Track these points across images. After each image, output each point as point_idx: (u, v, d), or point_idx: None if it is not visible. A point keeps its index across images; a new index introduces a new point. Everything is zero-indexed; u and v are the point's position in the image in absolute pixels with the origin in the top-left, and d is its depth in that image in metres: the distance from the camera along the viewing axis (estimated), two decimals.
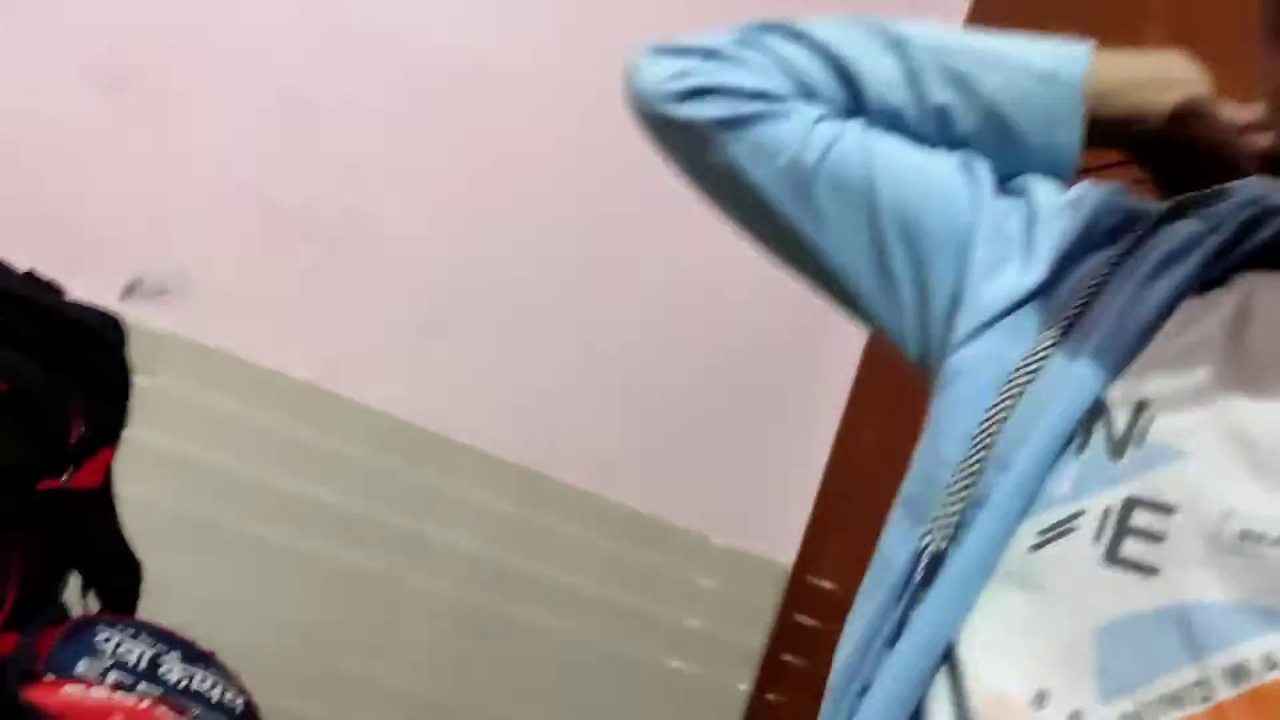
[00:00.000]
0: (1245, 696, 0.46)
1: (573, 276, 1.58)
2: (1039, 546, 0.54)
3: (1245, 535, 0.48)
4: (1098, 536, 0.52)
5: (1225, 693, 0.46)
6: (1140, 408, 0.54)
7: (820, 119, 0.68)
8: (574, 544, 1.57)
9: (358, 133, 1.47)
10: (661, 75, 0.69)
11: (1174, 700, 0.47)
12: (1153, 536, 0.51)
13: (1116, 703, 0.48)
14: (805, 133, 0.67)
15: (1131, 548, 0.51)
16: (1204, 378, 0.53)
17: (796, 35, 0.69)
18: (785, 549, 1.70)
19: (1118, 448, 0.54)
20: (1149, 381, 0.55)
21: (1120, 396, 0.55)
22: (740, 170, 0.68)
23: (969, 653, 0.53)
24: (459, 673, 1.51)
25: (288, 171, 1.44)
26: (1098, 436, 0.55)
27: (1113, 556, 0.51)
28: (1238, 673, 0.46)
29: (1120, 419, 0.54)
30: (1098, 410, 0.55)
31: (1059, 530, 0.53)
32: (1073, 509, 0.53)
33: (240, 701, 1.09)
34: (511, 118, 1.54)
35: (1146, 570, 0.50)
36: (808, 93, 0.68)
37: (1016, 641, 0.52)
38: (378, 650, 1.47)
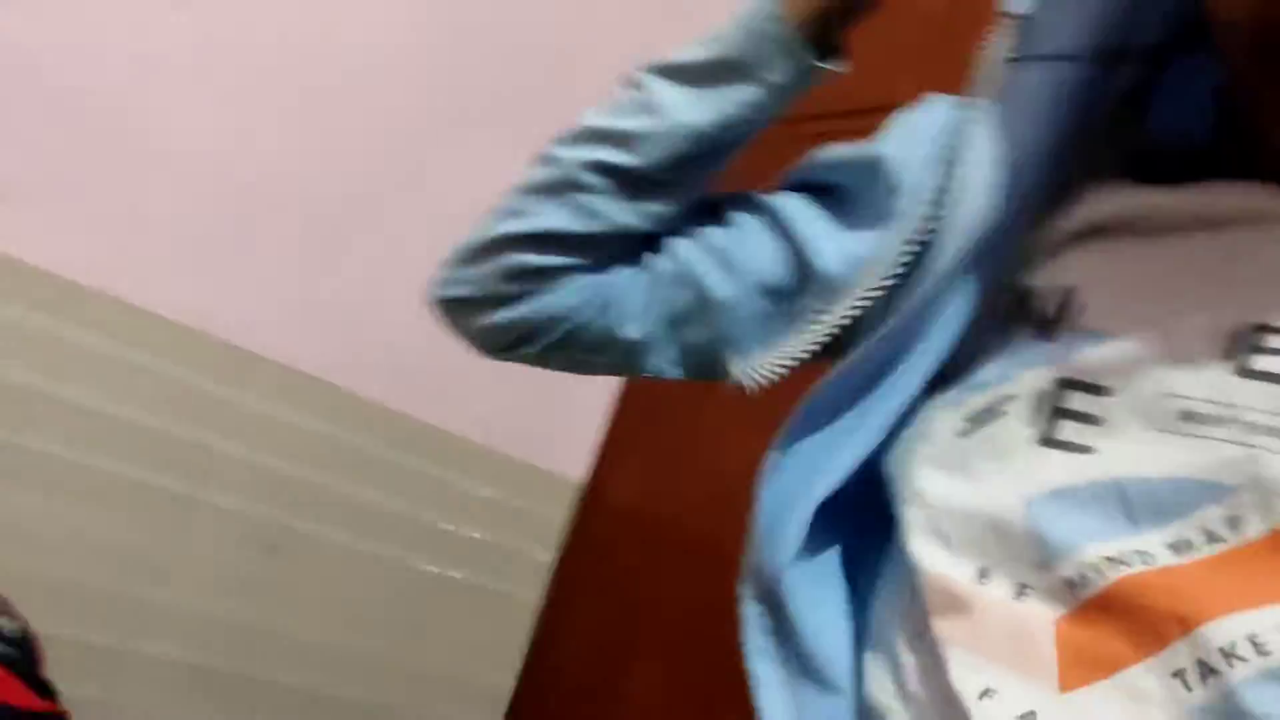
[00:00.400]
0: (1190, 566, 0.45)
1: (367, 189, 1.54)
2: (967, 432, 0.53)
3: (1186, 415, 0.47)
4: (1031, 420, 0.51)
5: (1168, 560, 0.45)
6: (1068, 292, 0.53)
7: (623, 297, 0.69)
8: (366, 458, 1.56)
9: (147, 29, 1.38)
10: (474, 326, 0.71)
11: (1116, 563, 0.46)
12: (1088, 418, 0.50)
13: (1055, 568, 0.47)
14: (619, 318, 0.69)
15: (1067, 430, 0.50)
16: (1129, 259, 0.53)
17: (522, 240, 0.68)
18: (578, 464, 1.75)
19: (1047, 331, 0.53)
20: (1072, 266, 0.54)
21: (1045, 281, 0.54)
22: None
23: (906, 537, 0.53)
24: (248, 591, 1.49)
25: (71, 56, 1.33)
26: (1024, 320, 0.54)
27: (1047, 440, 0.50)
28: (1180, 546, 0.45)
29: (1048, 302, 0.53)
30: (1024, 294, 0.54)
31: (988, 414, 0.52)
32: (1002, 393, 0.52)
33: (14, 627, 1.05)
34: (308, 25, 1.48)
35: (1081, 449, 0.49)
36: (594, 266, 0.69)
37: (950, 522, 0.51)
38: (166, 570, 1.43)
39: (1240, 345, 0.48)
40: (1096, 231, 0.54)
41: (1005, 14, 0.57)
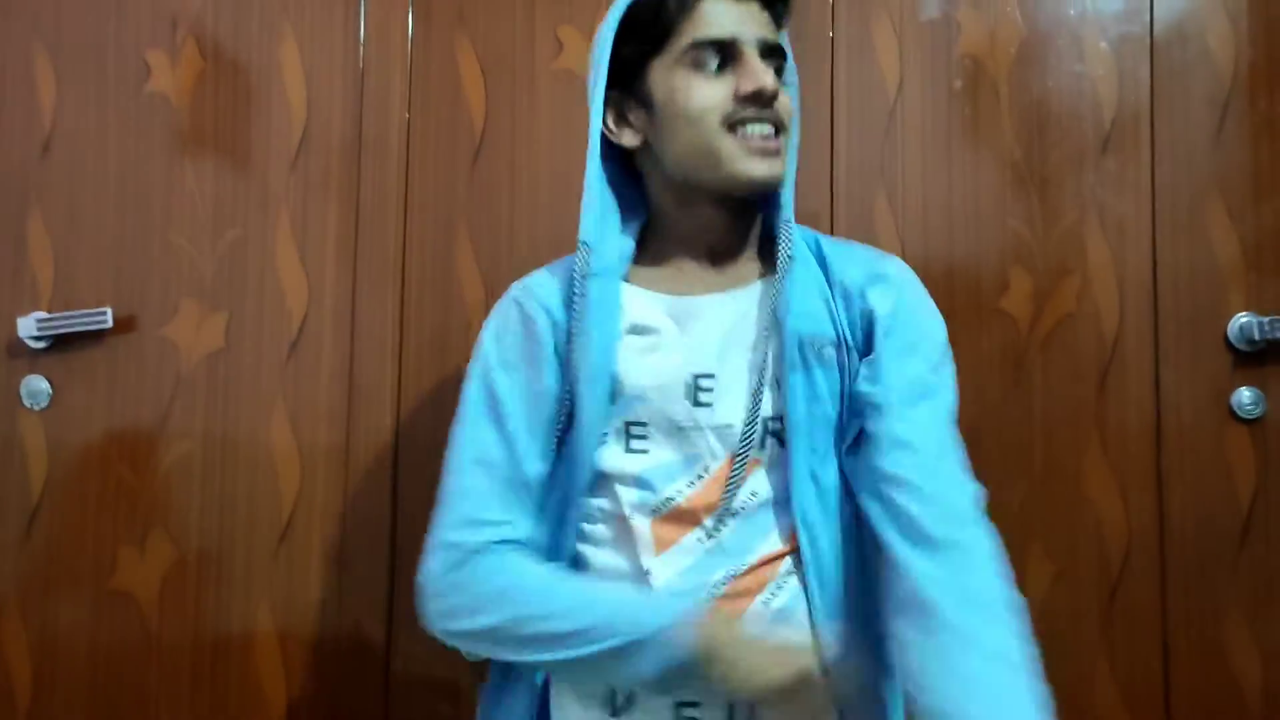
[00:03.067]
0: (699, 491, 1.10)
1: None
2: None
3: (678, 428, 1.11)
4: (618, 442, 1.13)
5: (690, 491, 1.10)
6: (616, 379, 1.13)
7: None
8: None
9: None
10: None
11: (671, 498, 1.10)
12: (641, 436, 1.12)
13: (649, 501, 1.10)
14: None
15: (635, 444, 1.11)
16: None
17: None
18: None
19: (614, 399, 1.12)
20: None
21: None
22: None
23: None
24: None
25: None
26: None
27: (628, 449, 1.12)
28: (693, 482, 1.11)
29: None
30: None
31: (603, 441, 1.14)
32: (603, 431, 1.14)
33: None
34: None
35: (644, 452, 1.12)
36: None
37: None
38: None
39: (690, 389, 1.09)
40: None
41: (582, 242, 1.11)
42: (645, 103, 1.12)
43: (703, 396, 1.07)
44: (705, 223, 1.14)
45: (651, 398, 1.08)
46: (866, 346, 1.08)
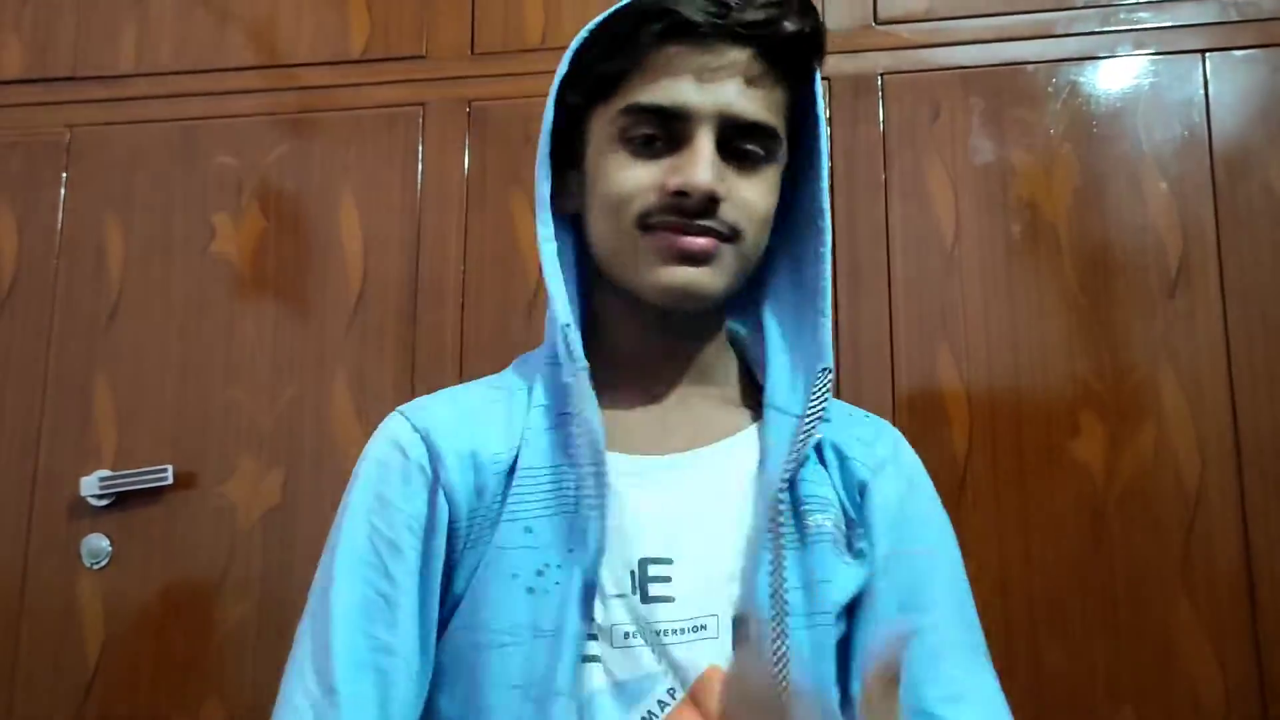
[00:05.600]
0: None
1: None
2: None
3: (629, 635, 0.78)
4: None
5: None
6: None
7: None
8: None
9: None
10: None
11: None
12: (594, 638, 0.78)
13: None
14: None
15: (589, 648, 0.77)
16: None
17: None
18: None
19: None
20: None
21: None
22: None
23: None
24: None
25: None
26: None
27: (582, 657, 0.77)
28: (650, 711, 0.76)
29: None
30: None
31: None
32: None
33: None
34: None
35: (596, 659, 0.77)
36: None
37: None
38: None
39: (636, 580, 0.78)
40: None
41: (563, 325, 0.82)
42: (580, 165, 0.86)
43: (655, 589, 0.79)
44: (649, 341, 0.86)
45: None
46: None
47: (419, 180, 1.68)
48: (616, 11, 0.83)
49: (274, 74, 1.76)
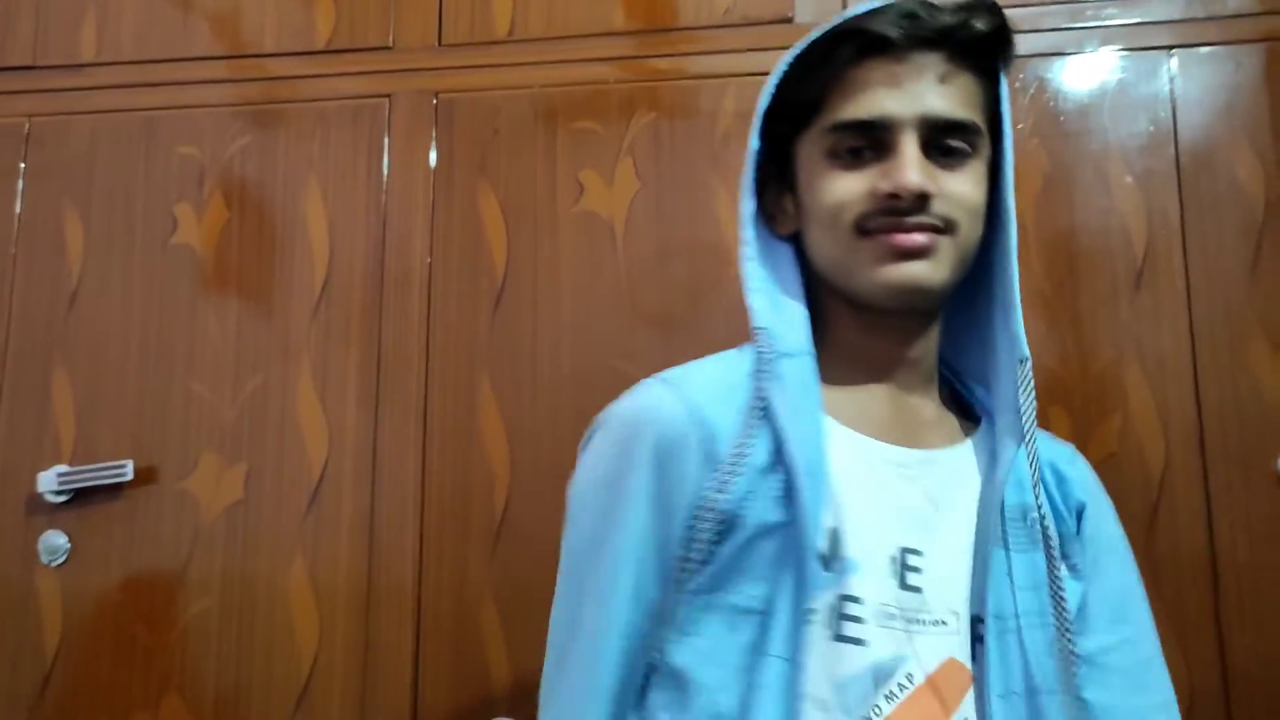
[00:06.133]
0: (903, 702, 0.79)
1: None
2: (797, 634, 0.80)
3: (889, 615, 0.81)
4: (826, 624, 0.80)
5: (890, 706, 0.79)
6: (835, 534, 0.82)
7: None
8: None
9: None
10: None
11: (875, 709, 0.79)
12: (856, 619, 0.81)
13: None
14: None
15: (848, 629, 0.80)
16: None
17: None
18: None
19: (827, 563, 0.81)
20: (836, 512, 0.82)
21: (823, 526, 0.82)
22: None
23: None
24: None
25: None
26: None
27: (838, 636, 0.80)
28: (890, 695, 0.79)
29: (825, 543, 0.81)
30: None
31: (806, 620, 0.79)
32: (809, 606, 0.79)
33: None
34: None
35: (857, 642, 0.80)
36: None
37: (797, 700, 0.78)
38: None
39: (897, 566, 0.82)
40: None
41: (758, 328, 0.89)
42: (794, 188, 0.93)
43: (910, 578, 0.83)
44: (875, 345, 0.91)
45: (863, 565, 0.82)
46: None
47: (385, 173, 1.67)
48: (814, 40, 0.89)
49: (238, 64, 1.74)
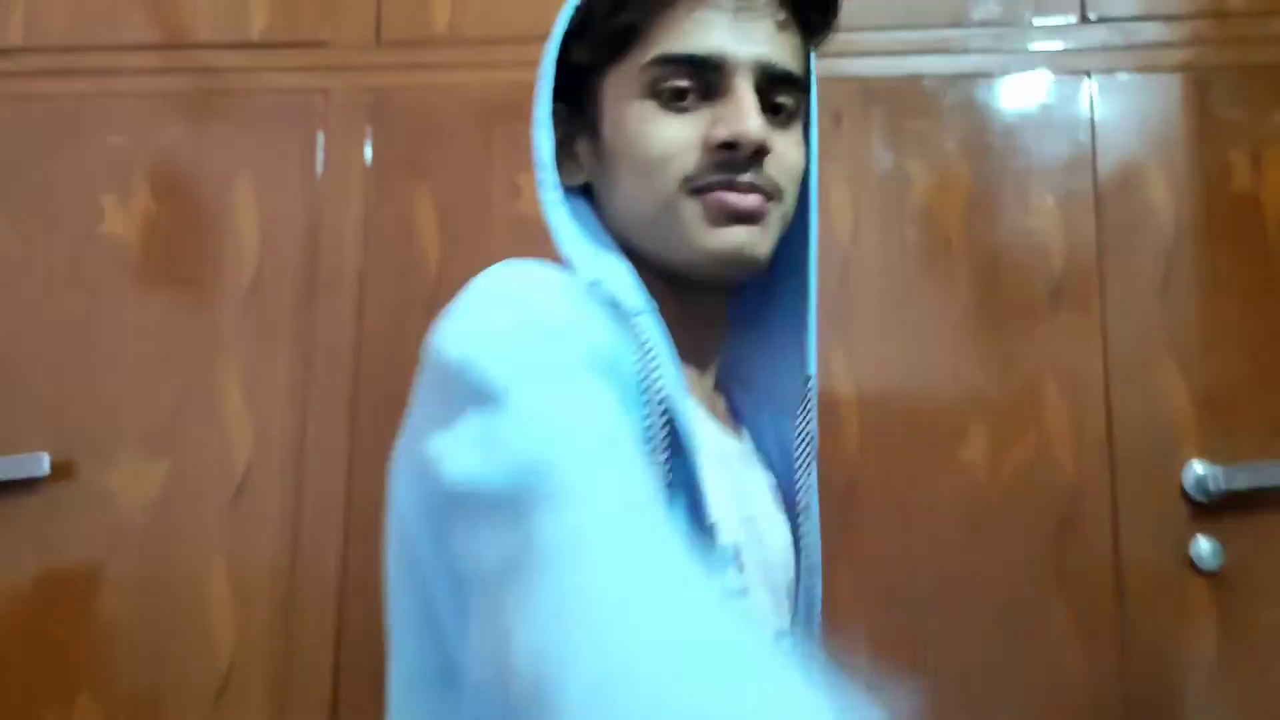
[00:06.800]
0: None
1: None
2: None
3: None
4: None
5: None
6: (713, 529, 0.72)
7: None
8: None
9: None
10: None
11: None
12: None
13: None
14: None
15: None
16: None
17: None
18: None
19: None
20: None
21: None
22: None
23: None
24: None
25: None
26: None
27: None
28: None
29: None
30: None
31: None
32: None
33: None
34: None
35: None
36: None
37: None
38: None
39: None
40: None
41: (591, 282, 0.72)
42: (592, 130, 0.79)
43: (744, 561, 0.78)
44: (688, 320, 0.79)
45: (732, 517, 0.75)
46: None
47: (319, 169, 1.65)
48: None
49: (170, 54, 1.71)
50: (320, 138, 1.66)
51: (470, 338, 0.62)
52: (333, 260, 1.62)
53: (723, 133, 0.72)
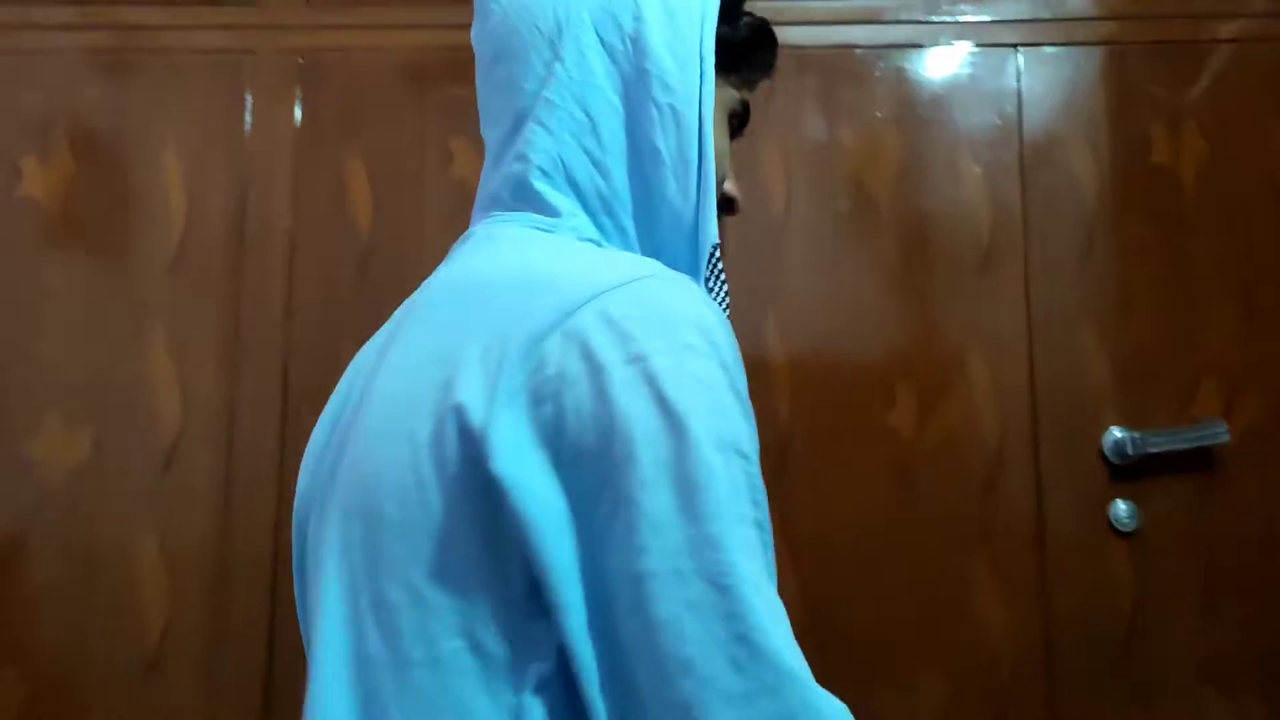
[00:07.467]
0: None
1: None
2: None
3: None
4: None
5: None
6: None
7: None
8: None
9: None
10: None
11: None
12: None
13: None
14: None
15: None
16: None
17: None
18: None
19: None
20: None
21: None
22: None
23: None
24: None
25: None
26: None
27: None
28: None
29: None
30: None
31: None
32: None
33: None
34: None
35: None
36: None
37: None
38: None
39: None
40: None
41: (715, 245, 0.76)
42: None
43: None
44: None
45: None
46: None
47: (246, 130, 1.62)
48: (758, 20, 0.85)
49: (90, 10, 1.66)
50: (249, 98, 1.63)
51: (687, 391, 0.59)
52: (261, 222, 1.60)
53: (735, 193, 0.86)
